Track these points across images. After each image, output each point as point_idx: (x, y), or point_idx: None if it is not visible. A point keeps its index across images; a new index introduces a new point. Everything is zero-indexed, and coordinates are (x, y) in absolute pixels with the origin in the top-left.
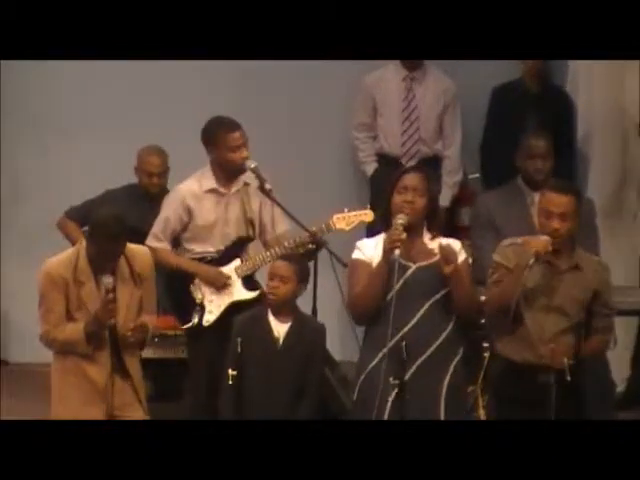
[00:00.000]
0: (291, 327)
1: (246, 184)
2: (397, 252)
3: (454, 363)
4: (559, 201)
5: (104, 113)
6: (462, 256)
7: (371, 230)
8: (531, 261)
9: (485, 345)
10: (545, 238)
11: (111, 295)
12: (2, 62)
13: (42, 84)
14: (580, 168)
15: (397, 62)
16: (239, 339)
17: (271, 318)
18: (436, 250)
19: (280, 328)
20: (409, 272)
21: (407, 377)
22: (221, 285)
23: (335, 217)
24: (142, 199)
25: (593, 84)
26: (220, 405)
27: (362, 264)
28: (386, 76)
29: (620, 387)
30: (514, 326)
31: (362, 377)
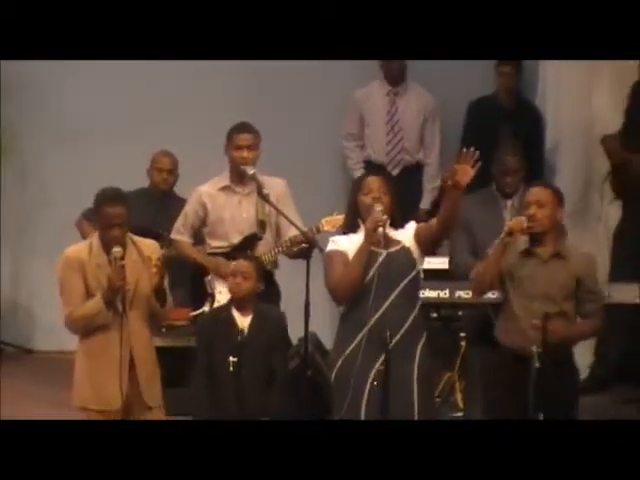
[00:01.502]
0: (253, 319)
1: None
2: (380, 230)
3: (420, 346)
4: (535, 191)
5: (122, 120)
6: (413, 224)
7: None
8: (504, 235)
9: (462, 335)
10: (519, 217)
11: (120, 262)
12: (23, 68)
13: (68, 94)
14: (549, 175)
15: (382, 78)
16: (207, 330)
17: (234, 312)
18: (399, 238)
19: (243, 320)
20: (381, 258)
21: (380, 362)
22: (224, 274)
23: (324, 220)
24: (153, 201)
25: (561, 100)
26: (196, 390)
27: (338, 253)
28: (372, 91)
29: (584, 374)
30: (506, 314)
31: (339, 363)
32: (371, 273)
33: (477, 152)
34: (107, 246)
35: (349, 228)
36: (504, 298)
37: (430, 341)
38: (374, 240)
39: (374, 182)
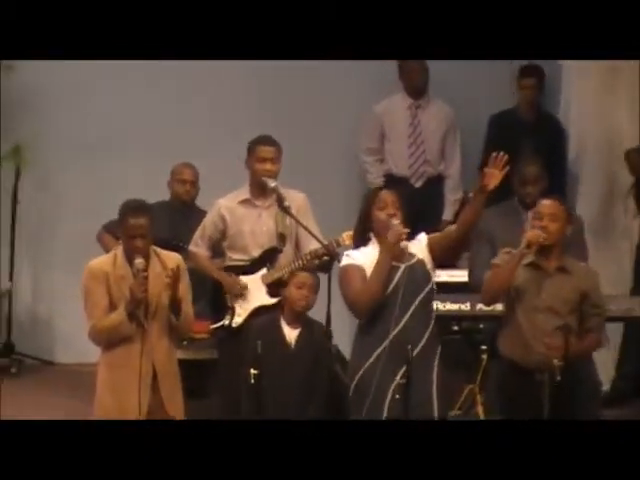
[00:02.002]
0: (301, 333)
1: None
2: (403, 244)
3: (437, 358)
4: (548, 204)
5: (139, 133)
6: (425, 236)
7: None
8: (523, 247)
9: (483, 347)
10: (536, 230)
11: (143, 273)
12: (40, 79)
13: (85, 106)
14: (571, 189)
15: (403, 91)
16: (259, 342)
17: (283, 324)
18: (413, 251)
19: (291, 334)
20: (400, 272)
21: (401, 375)
22: (236, 293)
23: (345, 234)
24: (174, 213)
25: (583, 113)
26: (243, 403)
27: (355, 267)
28: (393, 104)
29: (606, 387)
30: (509, 325)
31: (358, 375)
32: (391, 287)
33: (506, 156)
34: (130, 257)
35: (360, 241)
36: (507, 310)
37: (449, 353)
38: (395, 254)
39: (388, 197)
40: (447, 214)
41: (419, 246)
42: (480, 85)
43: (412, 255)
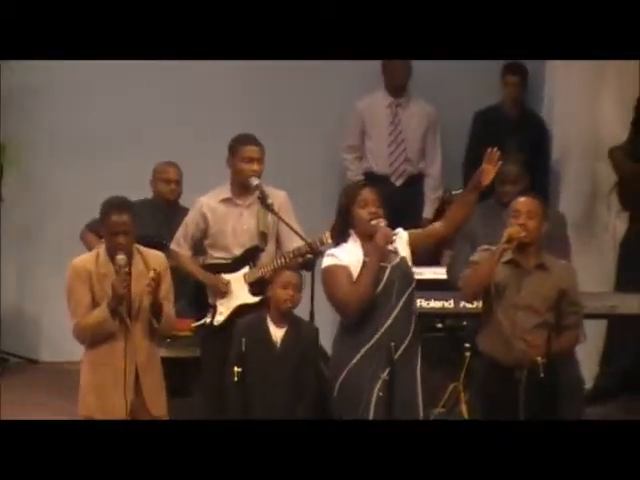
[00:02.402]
0: (287, 332)
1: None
2: (392, 246)
3: (419, 356)
4: (525, 201)
5: (125, 131)
6: (405, 233)
7: None
8: (504, 242)
9: (466, 345)
10: (516, 227)
11: (125, 269)
12: (26, 76)
13: (72, 105)
14: (554, 186)
15: (383, 89)
16: (244, 339)
17: (270, 323)
18: (394, 249)
19: (277, 332)
20: (387, 272)
21: (386, 373)
22: (219, 291)
23: (328, 232)
24: (157, 212)
25: (567, 111)
26: (227, 402)
27: (341, 268)
28: (374, 102)
29: (589, 384)
30: (489, 323)
31: (342, 375)
32: (380, 287)
33: (499, 152)
34: (113, 255)
35: (340, 237)
36: (486, 307)
37: (432, 350)
38: (383, 256)
39: (369, 195)
40: (427, 212)
41: (400, 243)
42: (462, 84)
43: (396, 253)
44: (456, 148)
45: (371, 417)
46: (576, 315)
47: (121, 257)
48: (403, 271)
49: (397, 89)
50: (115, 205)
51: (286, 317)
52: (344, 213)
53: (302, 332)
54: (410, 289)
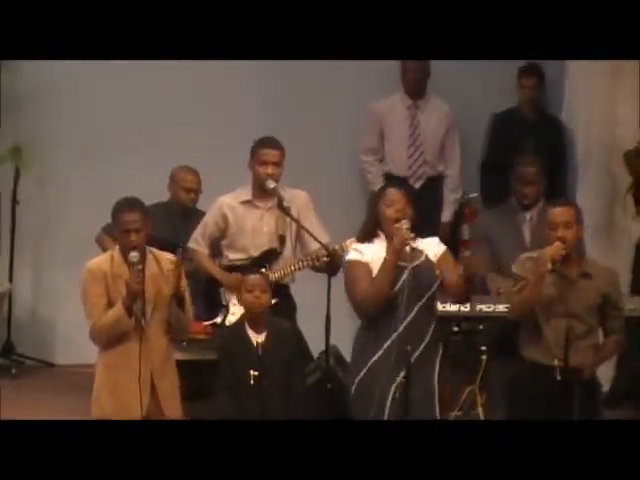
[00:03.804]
0: (267, 336)
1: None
2: (408, 248)
3: (439, 358)
4: (560, 212)
5: (141, 133)
6: (442, 247)
7: None
8: (549, 266)
9: (482, 349)
10: (556, 244)
11: (138, 266)
12: (42, 78)
13: (88, 107)
14: (572, 189)
15: (402, 91)
16: (230, 348)
17: (248, 330)
18: (420, 248)
19: (257, 338)
20: (406, 272)
21: (402, 375)
22: (236, 290)
23: (349, 240)
24: (174, 215)
25: (586, 113)
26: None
27: (362, 265)
28: (392, 104)
29: (605, 387)
30: (533, 332)
31: (361, 373)
32: (397, 287)
33: None
34: (126, 253)
35: (368, 237)
36: (530, 316)
37: (448, 354)
38: (400, 256)
39: (397, 194)
40: (446, 215)
41: (431, 250)
42: (480, 85)
43: (420, 253)
44: (475, 149)
45: (386, 417)
46: (620, 319)
47: (134, 254)
48: (425, 273)
49: (416, 91)
50: (126, 204)
51: (263, 322)
52: (372, 213)
53: (282, 333)
54: (430, 292)
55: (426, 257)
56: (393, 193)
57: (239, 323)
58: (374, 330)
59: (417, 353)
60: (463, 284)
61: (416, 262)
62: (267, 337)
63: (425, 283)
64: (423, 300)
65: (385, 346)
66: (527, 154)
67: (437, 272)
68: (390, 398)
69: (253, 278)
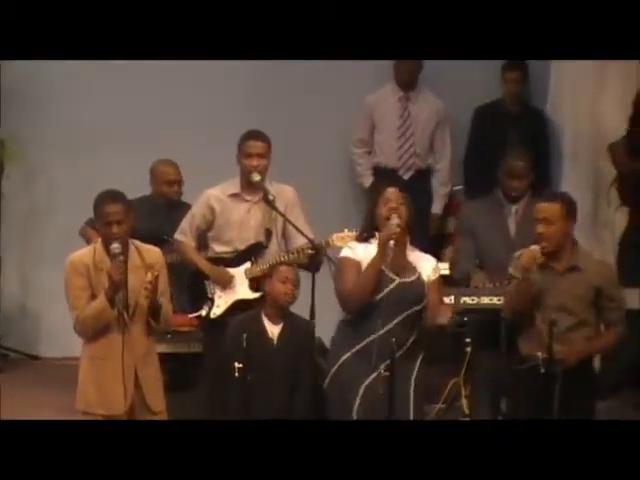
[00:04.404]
0: (283, 327)
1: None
2: (392, 243)
3: (418, 363)
4: (542, 208)
5: (126, 128)
6: (436, 274)
7: None
8: (522, 274)
9: (467, 341)
10: (532, 248)
11: (120, 257)
12: (28, 72)
13: (74, 101)
14: (556, 182)
15: (393, 83)
16: (244, 335)
17: (265, 319)
18: (415, 266)
19: (273, 329)
20: (392, 285)
21: (375, 375)
22: (223, 283)
23: (335, 236)
24: (157, 209)
25: (570, 107)
26: (228, 398)
27: (352, 262)
28: (384, 96)
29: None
30: (527, 326)
31: (336, 365)
32: (381, 295)
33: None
34: (108, 244)
35: (365, 237)
36: (525, 310)
37: (432, 346)
38: (386, 252)
39: (392, 194)
40: (436, 207)
41: (427, 267)
42: (472, 79)
43: (413, 271)
44: (463, 144)
45: (355, 411)
46: (617, 310)
47: (115, 246)
48: (413, 291)
49: (407, 83)
50: (108, 196)
51: (282, 313)
52: (369, 214)
53: (298, 328)
54: (412, 310)
55: (419, 276)
56: (390, 192)
57: (254, 313)
58: (353, 328)
59: (387, 363)
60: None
61: (407, 279)
62: (283, 329)
63: (410, 300)
64: (403, 316)
65: (358, 347)
66: (516, 147)
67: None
68: (360, 394)
69: (288, 270)
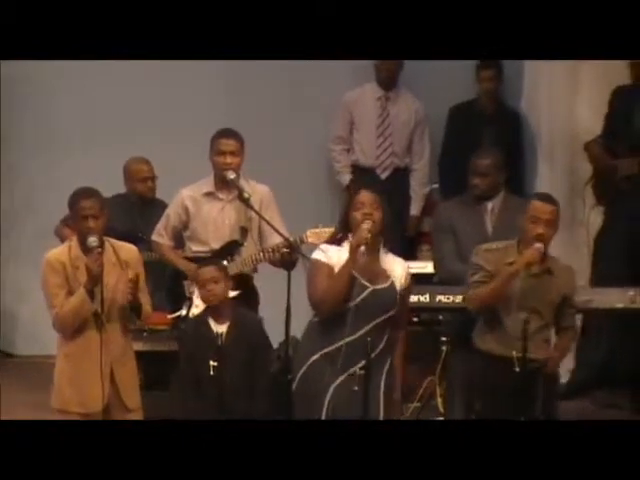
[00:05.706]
0: (230, 326)
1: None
2: (362, 248)
3: (386, 368)
4: (546, 209)
5: (105, 127)
6: (407, 282)
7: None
8: (521, 267)
9: (443, 339)
10: (536, 246)
11: (98, 250)
12: (8, 70)
13: (53, 99)
14: (531, 181)
15: (373, 82)
16: (192, 338)
17: (210, 320)
18: (389, 272)
19: (219, 328)
20: (365, 292)
21: (343, 378)
22: (202, 281)
23: (309, 232)
24: (131, 207)
25: (545, 106)
26: (186, 401)
27: (324, 265)
28: (364, 94)
29: (564, 379)
30: (491, 323)
31: (304, 367)
32: (354, 302)
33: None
34: (84, 242)
35: (338, 239)
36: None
37: (407, 345)
38: (357, 258)
39: (366, 197)
40: (414, 208)
41: (399, 278)
42: (452, 81)
43: (386, 278)
44: (438, 142)
45: (324, 412)
46: (573, 315)
47: (92, 239)
48: (386, 297)
49: (388, 82)
50: (83, 191)
51: (225, 312)
52: (343, 218)
53: (246, 325)
54: (384, 317)
55: (391, 284)
56: (365, 196)
57: (202, 314)
58: (323, 331)
59: (355, 367)
60: (406, 322)
61: (379, 285)
62: (229, 327)
63: (382, 307)
64: (375, 322)
65: (327, 350)
66: (482, 146)
67: (398, 294)
68: (328, 398)
69: (204, 271)
